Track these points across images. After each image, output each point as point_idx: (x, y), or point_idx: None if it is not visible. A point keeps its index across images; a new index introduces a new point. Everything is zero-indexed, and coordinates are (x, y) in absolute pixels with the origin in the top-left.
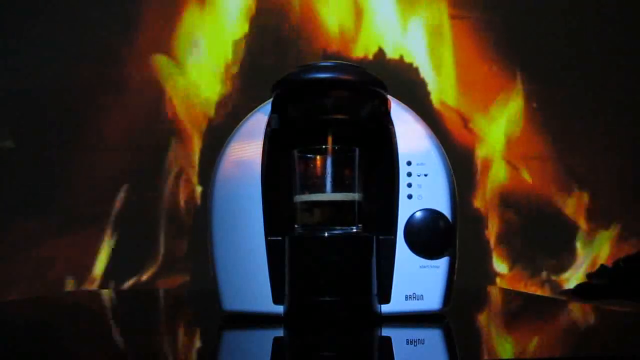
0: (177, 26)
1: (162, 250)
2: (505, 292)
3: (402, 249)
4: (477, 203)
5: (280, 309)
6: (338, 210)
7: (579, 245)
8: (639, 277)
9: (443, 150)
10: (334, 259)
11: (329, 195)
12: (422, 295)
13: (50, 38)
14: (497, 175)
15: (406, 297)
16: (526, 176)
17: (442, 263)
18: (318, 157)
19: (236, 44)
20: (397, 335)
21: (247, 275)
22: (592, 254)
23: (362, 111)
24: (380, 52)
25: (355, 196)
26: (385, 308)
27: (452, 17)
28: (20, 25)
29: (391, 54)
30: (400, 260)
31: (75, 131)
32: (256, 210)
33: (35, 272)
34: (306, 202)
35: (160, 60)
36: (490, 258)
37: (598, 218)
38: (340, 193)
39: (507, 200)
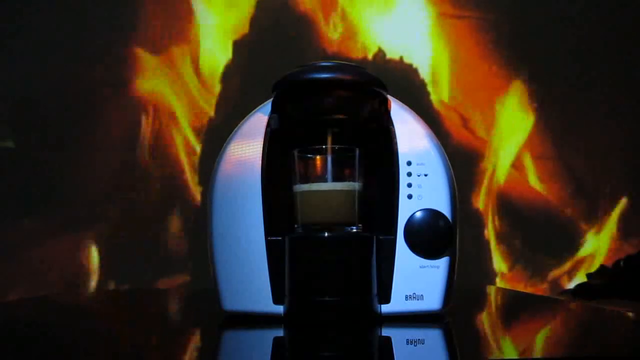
0: (177, 27)
1: (162, 250)
2: (505, 292)
3: (402, 249)
4: (477, 203)
5: (280, 309)
6: (338, 201)
7: (578, 245)
8: (639, 277)
9: (443, 150)
10: (334, 259)
11: (329, 185)
12: (422, 295)
13: (50, 39)
14: (497, 175)
15: (406, 297)
16: (526, 176)
17: (442, 263)
18: (318, 157)
19: (236, 44)
20: (397, 335)
21: (247, 275)
22: (592, 254)
23: (362, 111)
24: (380, 52)
25: (355, 185)
26: (385, 308)
27: (452, 17)
28: (20, 26)
29: (391, 54)
30: (400, 260)
31: (75, 131)
32: (256, 211)
33: (35, 272)
34: (306, 193)
35: (160, 60)
36: (490, 258)
37: (598, 218)
38: (340, 182)
39: (507, 200)
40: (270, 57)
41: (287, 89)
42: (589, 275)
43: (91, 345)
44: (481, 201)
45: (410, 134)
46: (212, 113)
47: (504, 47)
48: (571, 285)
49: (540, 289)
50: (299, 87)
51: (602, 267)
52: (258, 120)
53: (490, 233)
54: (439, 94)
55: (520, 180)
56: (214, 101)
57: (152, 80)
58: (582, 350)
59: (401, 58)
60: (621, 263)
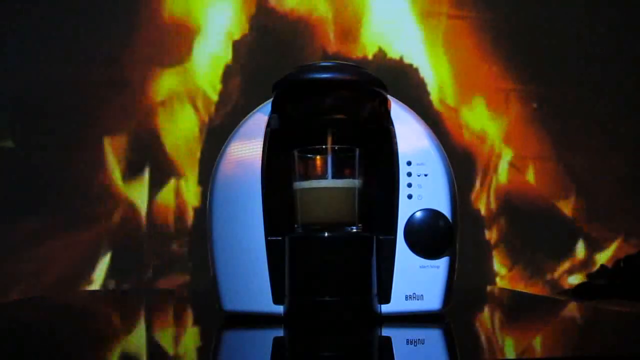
0: (176, 27)
1: (162, 250)
2: (505, 292)
3: (402, 249)
4: (477, 203)
5: (280, 309)
6: (338, 198)
7: (578, 245)
8: (639, 277)
9: (443, 150)
10: (334, 259)
11: (329, 182)
12: (422, 295)
13: (50, 38)
14: (497, 175)
15: (406, 297)
16: (526, 176)
17: (442, 263)
18: (318, 157)
19: (236, 44)
20: (397, 335)
21: (247, 275)
22: (592, 253)
23: (362, 111)
24: (380, 52)
25: (355, 183)
26: (385, 308)
27: (452, 17)
28: (20, 26)
29: (391, 54)
30: (400, 260)
31: (75, 131)
32: (256, 211)
33: (35, 272)
34: (306, 190)
35: (160, 61)
36: (490, 258)
37: (598, 218)
38: (340, 180)
39: (507, 200)
40: (270, 57)
41: (287, 89)
42: (589, 275)
43: (91, 345)
44: (481, 201)
45: (410, 134)
46: (212, 113)
47: (503, 47)
48: (571, 285)
49: (540, 289)
50: (299, 87)
51: (602, 267)
52: (258, 120)
53: (490, 233)
54: (439, 93)
55: (520, 180)
56: (214, 101)
57: (152, 81)
58: (582, 350)
59: (401, 58)
60: (621, 263)
